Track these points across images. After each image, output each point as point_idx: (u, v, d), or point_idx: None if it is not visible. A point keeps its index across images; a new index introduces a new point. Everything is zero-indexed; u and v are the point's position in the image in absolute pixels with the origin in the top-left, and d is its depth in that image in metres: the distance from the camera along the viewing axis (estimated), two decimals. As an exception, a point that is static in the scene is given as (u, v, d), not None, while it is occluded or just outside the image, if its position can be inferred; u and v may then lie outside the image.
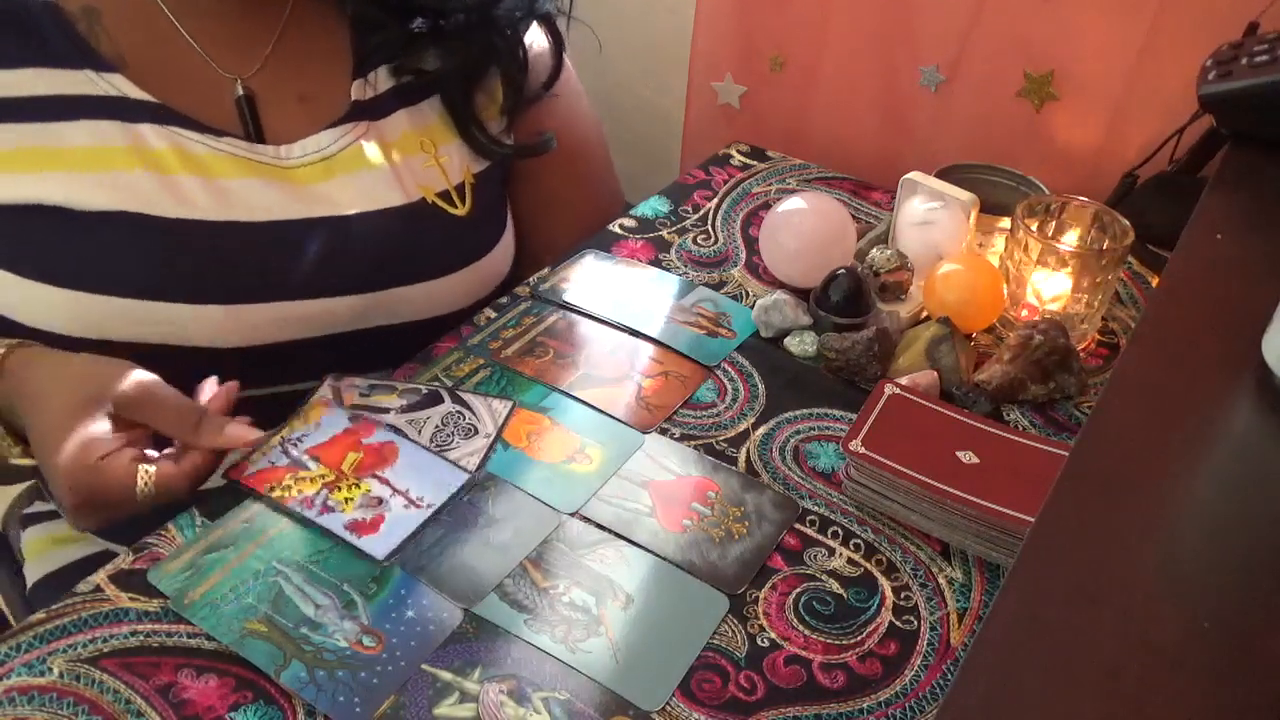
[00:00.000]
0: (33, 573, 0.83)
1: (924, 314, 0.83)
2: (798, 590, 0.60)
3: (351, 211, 0.73)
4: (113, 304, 0.66)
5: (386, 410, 0.70)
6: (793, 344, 0.79)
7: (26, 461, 0.63)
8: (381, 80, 0.77)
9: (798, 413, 0.73)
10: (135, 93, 0.69)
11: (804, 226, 0.83)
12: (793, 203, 0.85)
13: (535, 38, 0.84)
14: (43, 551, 0.83)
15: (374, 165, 0.75)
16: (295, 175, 0.72)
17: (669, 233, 0.93)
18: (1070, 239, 0.81)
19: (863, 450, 0.65)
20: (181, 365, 0.68)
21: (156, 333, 0.67)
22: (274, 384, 0.74)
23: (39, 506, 0.88)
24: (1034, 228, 0.79)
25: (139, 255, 0.67)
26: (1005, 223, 0.84)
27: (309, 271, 0.71)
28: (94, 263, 0.66)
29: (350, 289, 0.73)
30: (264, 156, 0.72)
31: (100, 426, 0.59)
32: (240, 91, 0.72)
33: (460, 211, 0.78)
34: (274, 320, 0.71)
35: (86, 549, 0.82)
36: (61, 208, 0.66)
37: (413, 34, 0.77)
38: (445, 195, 0.78)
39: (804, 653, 0.57)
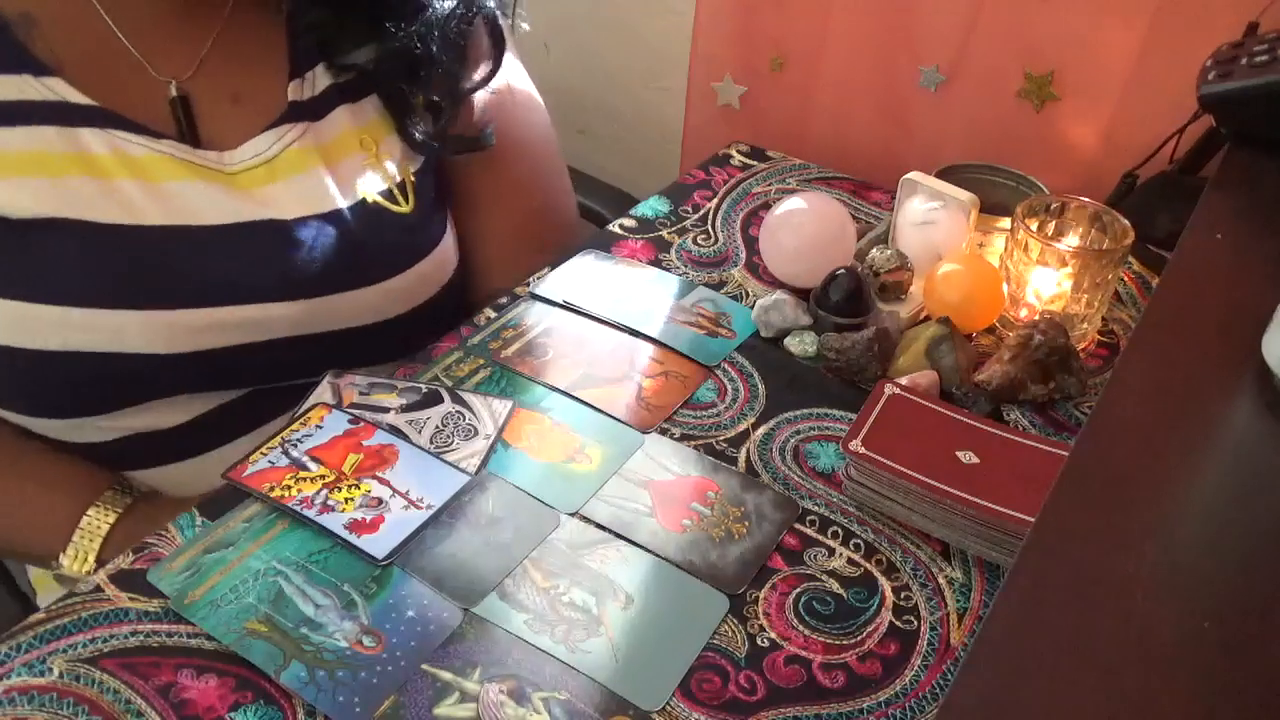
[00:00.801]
0: (45, 603, 0.82)
1: (924, 314, 0.83)
2: (798, 590, 0.60)
3: (294, 216, 0.71)
4: (50, 313, 0.64)
5: (386, 409, 0.70)
6: (793, 344, 0.79)
7: (83, 574, 0.69)
8: (320, 79, 0.76)
9: (798, 413, 0.73)
10: (75, 97, 0.66)
11: (804, 226, 0.83)
12: (793, 203, 0.85)
13: (477, 30, 0.82)
14: (54, 584, 0.83)
15: (314, 168, 0.73)
16: (237, 180, 0.71)
17: (669, 233, 0.93)
18: (1070, 239, 0.81)
19: (863, 450, 0.65)
20: (122, 372, 0.67)
21: (97, 340, 0.65)
22: (214, 388, 0.72)
23: None
24: (1034, 228, 0.79)
25: (78, 262, 0.65)
26: (1005, 223, 0.84)
27: (253, 277, 0.70)
28: (31, 271, 0.64)
29: (295, 294, 0.71)
30: (205, 160, 0.70)
31: None
32: (174, 94, 0.70)
33: (404, 209, 0.77)
34: (216, 326, 0.69)
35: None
36: None
37: (348, 31, 0.76)
38: (388, 194, 0.76)
39: (804, 653, 0.57)
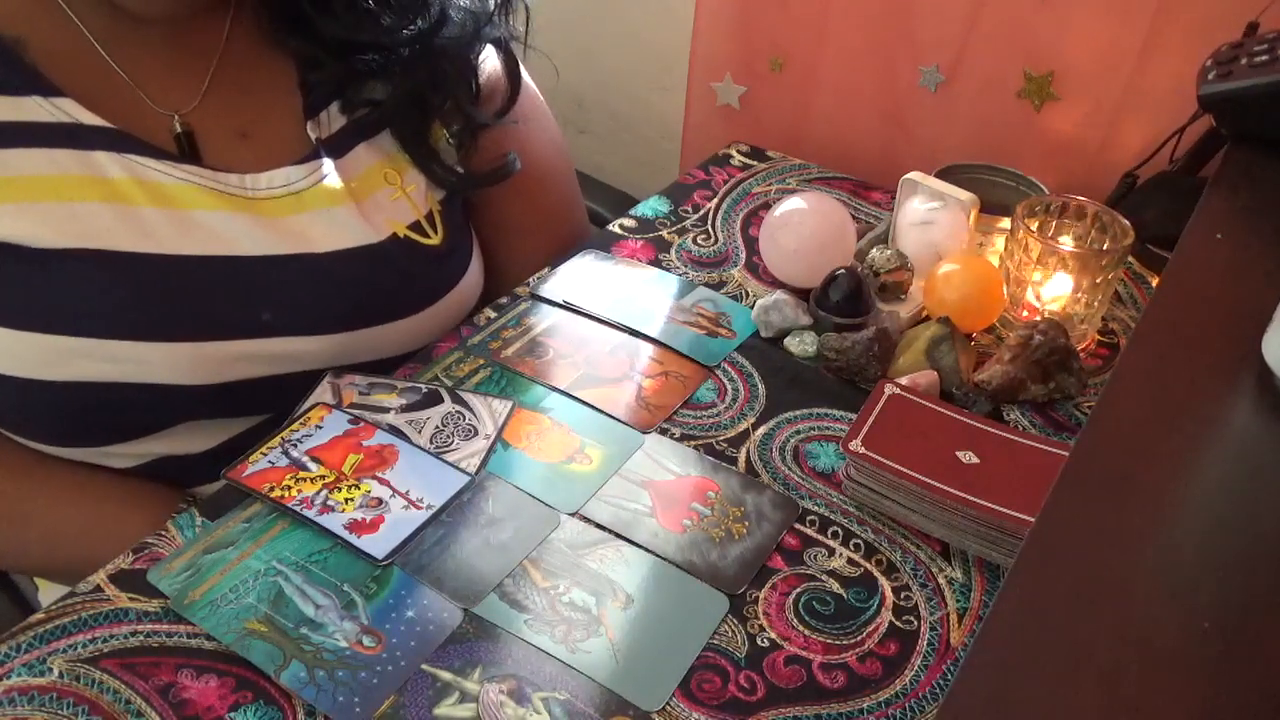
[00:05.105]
0: (48, 600, 0.82)
1: (924, 314, 0.83)
2: (798, 590, 0.60)
3: (325, 250, 0.70)
4: (73, 344, 0.62)
5: (386, 409, 0.70)
6: (793, 344, 0.79)
7: None
8: (335, 118, 0.74)
9: (798, 413, 0.73)
10: (88, 118, 0.64)
11: (804, 226, 0.83)
12: (792, 203, 0.85)
13: (491, 63, 0.81)
14: (54, 584, 0.82)
15: (343, 202, 0.72)
16: (263, 208, 0.69)
17: (669, 233, 0.93)
18: (1070, 239, 0.81)
19: (863, 450, 0.65)
20: (148, 402, 0.66)
21: (122, 371, 0.64)
22: (240, 415, 0.72)
23: None
24: (1034, 228, 0.79)
25: (100, 293, 0.63)
26: (1005, 223, 0.84)
27: (284, 310, 0.69)
28: (53, 303, 0.62)
29: (328, 329, 0.71)
30: (228, 186, 0.68)
31: None
32: (178, 128, 0.68)
33: (434, 241, 0.76)
34: (246, 358, 0.68)
35: None
36: (14, 245, 0.61)
37: (356, 69, 0.74)
38: (416, 226, 0.75)
39: (804, 653, 0.57)
